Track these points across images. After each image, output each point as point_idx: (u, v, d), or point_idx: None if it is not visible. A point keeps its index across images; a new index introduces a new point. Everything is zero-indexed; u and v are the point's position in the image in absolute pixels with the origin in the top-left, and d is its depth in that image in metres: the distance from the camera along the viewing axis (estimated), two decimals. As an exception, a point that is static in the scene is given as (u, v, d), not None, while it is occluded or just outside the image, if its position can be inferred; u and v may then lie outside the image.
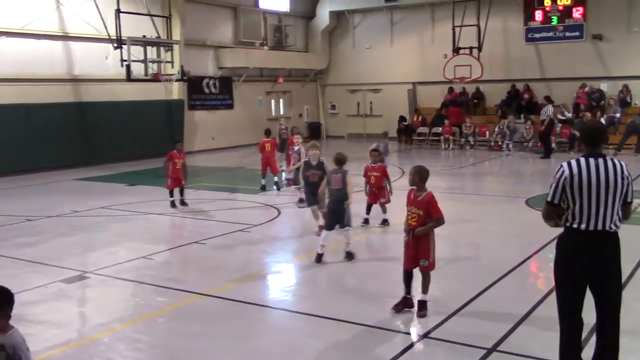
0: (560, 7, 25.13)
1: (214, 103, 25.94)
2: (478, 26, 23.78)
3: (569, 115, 23.46)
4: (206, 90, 25.45)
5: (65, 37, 20.04)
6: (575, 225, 4.61)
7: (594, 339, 4.98)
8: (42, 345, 5.91)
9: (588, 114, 21.31)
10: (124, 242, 10.28)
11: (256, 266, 8.92)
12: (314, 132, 30.02)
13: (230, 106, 26.71)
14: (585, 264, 4.62)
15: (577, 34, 24.91)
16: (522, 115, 24.85)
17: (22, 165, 18.48)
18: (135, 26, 20.27)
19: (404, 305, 6.61)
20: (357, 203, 10.36)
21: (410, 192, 6.65)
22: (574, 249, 4.65)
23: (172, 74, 20.94)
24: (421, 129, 26.68)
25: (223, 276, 8.19)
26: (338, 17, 30.55)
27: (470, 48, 23.85)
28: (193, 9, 24.13)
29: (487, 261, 8.88)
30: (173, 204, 13.01)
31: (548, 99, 23.40)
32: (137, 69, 19.68)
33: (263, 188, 15.04)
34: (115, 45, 19.25)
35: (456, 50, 24.15)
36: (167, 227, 12.02)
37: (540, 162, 20.54)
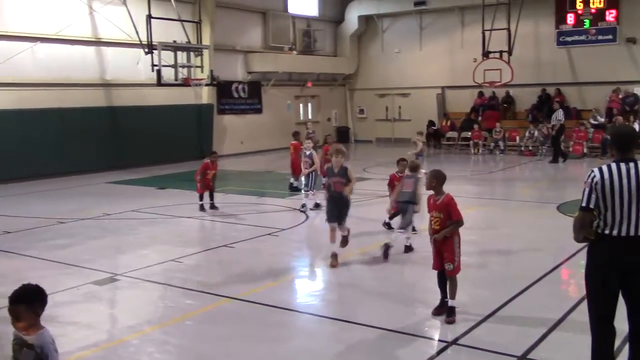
0: (593, 10, 24.74)
1: (243, 107, 26.10)
2: (508, 30, 23.54)
3: (602, 119, 23.10)
4: (235, 95, 25.63)
5: (98, 43, 20.41)
6: (607, 232, 4.53)
7: (626, 348, 4.88)
8: (73, 346, 5.99)
9: (620, 118, 20.95)
10: (153, 245, 10.38)
11: (284, 270, 8.93)
12: (342, 136, 30.00)
13: (259, 110, 26.85)
14: (617, 270, 4.53)
15: (610, 37, 24.48)
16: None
17: (55, 169, 18.83)
18: (166, 31, 20.52)
19: (443, 308, 6.58)
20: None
21: (429, 198, 6.70)
22: (606, 255, 4.57)
23: (201, 79, 21.13)
24: (450, 134, 26.52)
25: (251, 280, 8.22)
26: (367, 21, 30.53)
27: (501, 52, 23.63)
28: (223, 14, 24.35)
29: (517, 267, 8.77)
30: (202, 208, 13.11)
31: (560, 104, 23.10)
32: (168, 74, 19.91)
33: (292, 188, 15.30)
34: (146, 50, 19.50)
35: (486, 54, 23.94)
36: (196, 231, 12.12)
37: (571, 167, 20.23)
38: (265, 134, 26.58)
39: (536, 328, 6.19)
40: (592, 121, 23.20)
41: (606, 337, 4.68)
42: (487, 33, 23.81)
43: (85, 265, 8.98)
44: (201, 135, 23.53)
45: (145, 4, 19.62)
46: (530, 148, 23.48)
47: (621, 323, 4.72)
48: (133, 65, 21.18)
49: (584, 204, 4.57)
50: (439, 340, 6.12)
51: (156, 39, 19.59)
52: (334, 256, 8.65)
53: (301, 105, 29.73)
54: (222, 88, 24.63)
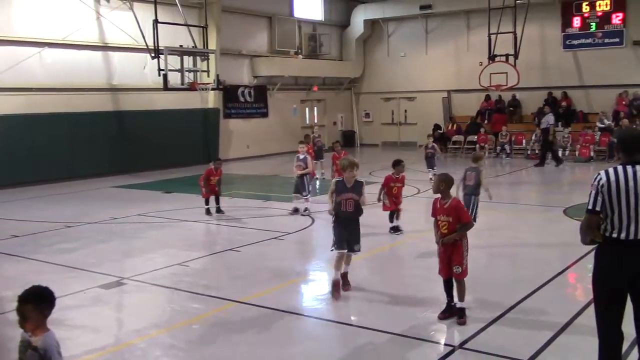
0: (599, 13, 24.71)
1: (249, 111, 26.15)
2: (514, 33, 23.50)
3: (608, 122, 23.03)
4: (241, 99, 25.69)
5: (105, 48, 20.51)
6: (614, 235, 4.51)
7: (634, 352, 4.86)
8: (79, 349, 6.01)
9: (626, 121, 20.89)
10: (160, 248, 10.40)
11: (290, 274, 8.93)
12: (348, 140, 30.02)
13: (265, 114, 26.90)
14: (625, 274, 4.52)
15: (616, 40, 24.45)
16: (559, 123, 24.45)
17: (62, 173, 18.91)
18: (172, 36, 20.59)
19: (450, 312, 6.58)
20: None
21: (435, 201, 6.69)
22: (613, 259, 4.55)
23: (208, 83, 21.18)
24: (456, 137, 26.48)
25: (257, 283, 8.23)
26: (372, 25, 30.56)
27: (507, 55, 23.58)
28: (229, 18, 24.41)
29: (524, 271, 8.74)
30: (208, 212, 13.13)
31: (550, 108, 23.11)
32: (174, 79, 19.96)
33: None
34: (153, 55, 19.54)
35: (492, 57, 23.90)
36: (202, 235, 12.14)
37: (578, 171, 20.18)
38: (271, 138, 26.61)
39: (543, 332, 6.17)
40: (599, 124, 23.12)
41: (613, 341, 4.66)
42: (493, 36, 23.77)
43: (92, 269, 9.01)
44: (207, 139, 23.56)
45: (152, 9, 19.67)
46: (537, 152, 23.41)
47: (628, 327, 4.69)
48: (140, 70, 21.26)
49: (590, 207, 4.56)
50: (446, 344, 6.11)
51: (162, 43, 19.63)
52: (337, 285, 7.46)
53: (307, 109, 29.76)
54: (228, 92, 24.69)
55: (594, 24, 24.88)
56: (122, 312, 7.69)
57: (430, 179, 17.28)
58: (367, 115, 31.50)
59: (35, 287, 3.79)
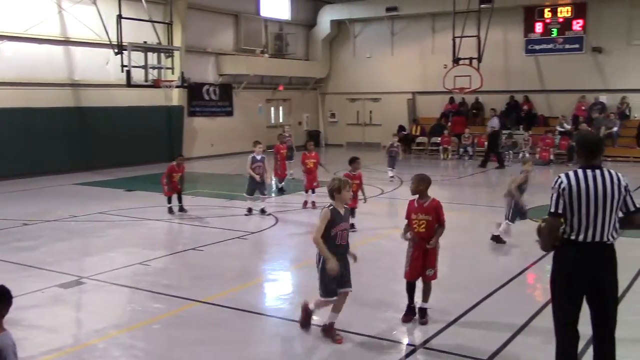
0: (561, 20, 25.26)
1: (214, 110, 25.98)
2: (478, 37, 23.86)
3: (568, 127, 23.55)
4: (206, 97, 25.50)
5: (67, 42, 20.11)
6: (573, 237, 4.60)
7: (589, 351, 4.97)
8: (36, 350, 5.89)
9: (584, 125, 21.44)
10: (121, 247, 10.26)
11: (253, 274, 8.90)
12: (314, 140, 29.94)
13: (230, 113, 26.75)
14: (583, 276, 4.61)
15: (576, 46, 25.02)
16: (520, 127, 24.93)
17: (21, 169, 18.50)
18: (137, 32, 20.33)
19: (412, 314, 6.63)
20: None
21: (411, 202, 6.69)
22: (571, 260, 4.64)
23: (172, 80, 20.96)
24: (420, 139, 26.75)
25: (220, 283, 8.18)
26: (339, 26, 30.66)
27: (470, 59, 23.92)
28: (194, 15, 24.20)
29: (484, 272, 8.87)
30: (171, 210, 13.00)
31: (494, 111, 23.76)
32: (138, 75, 19.70)
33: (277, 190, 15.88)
34: (116, 50, 19.29)
35: (456, 60, 24.22)
36: (164, 233, 12.01)
37: (538, 174, 20.55)
38: (236, 137, 26.46)
39: (502, 332, 6.28)
40: (559, 128, 23.63)
41: (570, 341, 4.76)
42: (457, 40, 24.08)
43: (51, 268, 8.83)
44: (171, 137, 23.31)
45: (116, 4, 19.41)
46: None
47: (584, 326, 4.80)
48: (102, 66, 20.91)
49: (552, 210, 4.63)
50: (407, 344, 6.16)
51: (126, 39, 19.38)
52: (330, 329, 6.16)
53: (272, 108, 29.70)
54: (193, 90, 24.48)
55: (555, 30, 25.42)
56: (81, 311, 7.55)
57: (391, 177, 17.42)
58: (333, 115, 31.60)
59: None
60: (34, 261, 9.22)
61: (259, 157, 12.91)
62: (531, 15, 25.89)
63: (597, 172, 4.59)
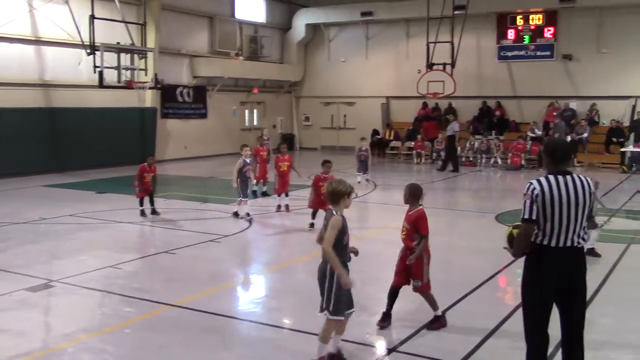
0: (532, 27, 25.67)
1: (188, 112, 25.80)
2: (452, 43, 24.07)
3: (539, 132, 23.89)
4: (180, 99, 25.31)
5: (38, 42, 19.80)
6: (545, 242, 4.64)
7: (559, 353, 5.04)
8: (4, 354, 5.78)
9: (557, 134, 21.82)
10: (91, 250, 10.12)
11: (226, 277, 8.85)
12: (288, 143, 29.88)
13: (203, 115, 26.60)
14: (554, 280, 4.66)
15: (547, 53, 25.44)
16: (493, 132, 25.23)
17: (-11, 170, 18.17)
18: (109, 33, 20.12)
19: (387, 321, 6.60)
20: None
21: (407, 209, 6.74)
22: (543, 266, 4.68)
23: (145, 82, 20.78)
24: (394, 143, 26.89)
25: (192, 287, 8.11)
26: (314, 29, 30.71)
27: (444, 64, 24.11)
28: (168, 17, 24.04)
29: (457, 276, 8.94)
30: (143, 213, 12.86)
31: (454, 116, 24.21)
32: (110, 76, 19.50)
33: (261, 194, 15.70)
34: (89, 51, 19.06)
35: (430, 65, 24.40)
36: (136, 236, 11.88)
37: (509, 178, 20.83)
38: (210, 140, 26.34)
39: (474, 335, 6.33)
40: (530, 134, 23.95)
41: (540, 345, 4.81)
42: (431, 45, 24.26)
43: (19, 271, 8.68)
44: (144, 139, 23.09)
45: (88, 4, 19.19)
46: (471, 159, 24.06)
47: (553, 329, 4.86)
48: (74, 66, 20.65)
49: (526, 216, 4.64)
50: (380, 348, 6.18)
51: (99, 39, 19.18)
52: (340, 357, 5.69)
53: (247, 111, 29.62)
54: (167, 92, 24.29)
55: (527, 37, 25.81)
56: (50, 315, 7.43)
57: (358, 182, 17.34)
58: (307, 119, 31.62)
59: None
60: (1, 264, 9.04)
61: (248, 160, 12.90)
62: (504, 22, 26.25)
63: (568, 177, 4.65)
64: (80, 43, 19.13)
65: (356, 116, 29.97)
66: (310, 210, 11.56)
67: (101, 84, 19.20)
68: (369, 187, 17.38)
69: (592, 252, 9.60)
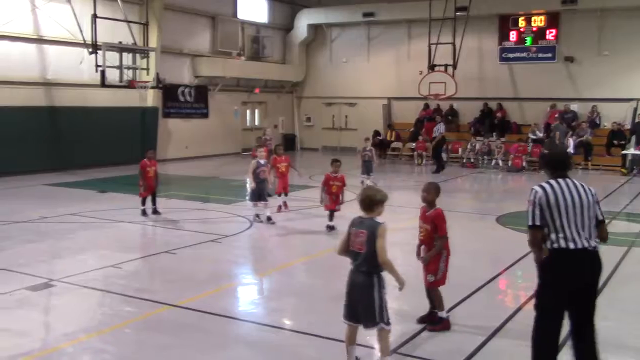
0: (534, 29, 25.66)
1: (189, 111, 25.82)
2: (453, 44, 24.08)
3: (540, 134, 23.87)
4: (181, 99, 25.33)
5: (40, 41, 19.81)
6: (555, 246, 4.63)
7: (560, 354, 5.03)
8: (4, 354, 5.78)
9: (557, 133, 21.78)
10: (92, 249, 10.12)
11: (226, 277, 8.85)
12: (289, 143, 30.02)
13: (205, 115, 26.61)
14: (572, 283, 4.62)
15: (549, 55, 25.43)
16: (494, 134, 25.20)
17: (-10, 169, 18.18)
18: (112, 32, 20.13)
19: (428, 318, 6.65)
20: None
21: (422, 208, 6.76)
22: (562, 269, 4.64)
23: (147, 81, 20.79)
24: (395, 144, 26.89)
25: (192, 287, 8.11)
26: (316, 30, 30.71)
27: (446, 65, 24.12)
28: (171, 16, 24.04)
29: (457, 277, 8.88)
30: (144, 212, 12.86)
31: (441, 117, 24.21)
32: (112, 75, 19.51)
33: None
34: (91, 50, 19.08)
35: (431, 67, 24.40)
36: (137, 236, 11.88)
37: (511, 180, 20.81)
38: (211, 139, 26.36)
39: (475, 337, 6.32)
40: (532, 136, 23.93)
41: (550, 351, 4.77)
42: (433, 46, 24.28)
43: (20, 270, 8.68)
44: (145, 138, 23.08)
45: (91, 3, 19.22)
46: (472, 160, 24.04)
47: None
48: (76, 65, 20.63)
49: (530, 223, 4.66)
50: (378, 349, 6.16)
51: (101, 39, 19.20)
52: None
53: (248, 111, 29.64)
54: (168, 91, 24.31)
55: (529, 39, 25.79)
56: (50, 315, 7.43)
57: (362, 182, 17.24)
58: (308, 119, 31.61)
59: None
60: (2, 263, 9.04)
61: (263, 162, 12.46)
62: (506, 23, 26.24)
63: (569, 181, 4.66)
64: (83, 42, 19.15)
65: (358, 117, 29.96)
66: (326, 212, 11.29)
67: (103, 83, 19.22)
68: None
69: None
